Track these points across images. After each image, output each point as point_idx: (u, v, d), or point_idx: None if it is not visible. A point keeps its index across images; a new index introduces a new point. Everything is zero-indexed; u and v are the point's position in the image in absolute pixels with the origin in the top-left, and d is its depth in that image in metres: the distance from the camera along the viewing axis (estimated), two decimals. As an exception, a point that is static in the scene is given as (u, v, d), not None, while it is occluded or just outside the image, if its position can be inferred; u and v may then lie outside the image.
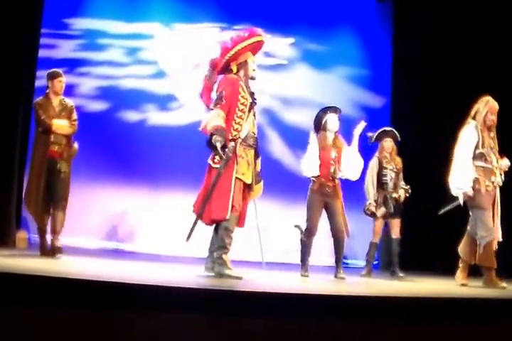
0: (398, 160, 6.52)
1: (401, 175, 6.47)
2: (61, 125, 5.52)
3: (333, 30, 8.86)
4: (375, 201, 6.35)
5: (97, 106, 8.23)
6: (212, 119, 4.48)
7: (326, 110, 5.76)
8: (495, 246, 5.22)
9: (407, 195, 6.42)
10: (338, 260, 5.56)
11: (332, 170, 5.57)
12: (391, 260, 6.40)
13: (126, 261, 5.85)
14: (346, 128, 5.96)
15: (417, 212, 7.47)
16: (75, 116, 5.69)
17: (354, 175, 5.66)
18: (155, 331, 3.13)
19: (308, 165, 5.55)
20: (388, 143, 6.50)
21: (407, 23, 8.68)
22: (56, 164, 5.51)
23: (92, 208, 7.88)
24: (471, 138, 5.31)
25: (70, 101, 5.75)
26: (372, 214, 6.37)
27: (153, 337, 3.12)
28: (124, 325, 3.12)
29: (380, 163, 6.44)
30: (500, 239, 5.29)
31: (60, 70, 5.76)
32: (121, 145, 8.01)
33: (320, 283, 5.11)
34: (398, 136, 6.56)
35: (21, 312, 3.03)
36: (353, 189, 6.11)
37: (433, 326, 3.46)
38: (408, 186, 6.43)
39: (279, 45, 8.52)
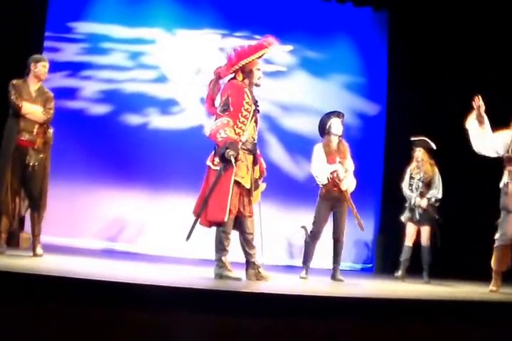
0: (429, 169, 6.56)
1: (433, 184, 6.52)
2: (33, 110, 5.10)
3: (330, 38, 8.91)
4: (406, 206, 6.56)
5: (100, 109, 8.22)
6: (222, 128, 4.46)
7: (329, 115, 5.83)
8: None
9: (431, 203, 6.48)
10: (336, 262, 5.66)
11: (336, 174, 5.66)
12: (422, 266, 6.46)
13: (127, 261, 5.87)
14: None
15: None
16: (51, 105, 5.24)
17: (348, 187, 5.71)
18: (155, 331, 3.14)
19: (322, 172, 5.63)
20: (417, 153, 6.59)
21: (402, 32, 8.72)
22: (25, 155, 5.07)
23: (94, 210, 7.88)
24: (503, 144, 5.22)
25: (49, 91, 5.34)
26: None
27: (154, 336, 3.14)
28: (125, 325, 3.12)
29: (411, 173, 6.60)
30: None
31: (45, 57, 5.50)
32: (123, 148, 8.01)
33: (319, 285, 5.16)
34: (431, 144, 6.59)
35: (22, 310, 3.04)
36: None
37: (432, 327, 3.51)
38: (432, 195, 6.48)
39: (278, 52, 8.53)
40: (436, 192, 6.49)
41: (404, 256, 6.47)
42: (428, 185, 6.51)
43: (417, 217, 6.46)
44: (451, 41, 8.31)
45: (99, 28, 8.39)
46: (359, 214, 5.76)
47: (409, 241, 6.50)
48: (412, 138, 6.65)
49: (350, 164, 5.79)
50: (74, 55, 8.28)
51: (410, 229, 6.50)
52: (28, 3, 7.58)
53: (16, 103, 5.06)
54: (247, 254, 4.67)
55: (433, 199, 6.47)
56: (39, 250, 5.15)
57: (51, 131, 5.23)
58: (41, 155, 5.16)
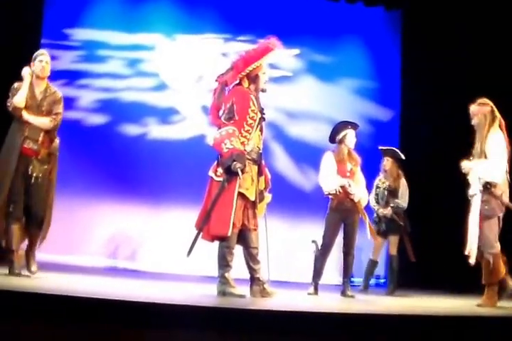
0: (397, 178, 6.81)
1: (399, 194, 6.75)
2: (38, 119, 4.90)
3: (339, 40, 8.95)
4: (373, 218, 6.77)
5: (97, 119, 8.32)
6: (228, 138, 4.47)
7: (346, 124, 5.87)
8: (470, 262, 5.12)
9: (396, 212, 6.70)
10: (346, 277, 5.73)
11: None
12: (390, 277, 6.75)
13: (127, 279, 5.92)
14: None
15: (425, 230, 7.57)
16: (58, 109, 5.01)
17: (360, 198, 5.79)
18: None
19: (329, 181, 5.69)
20: (385, 162, 6.86)
21: (416, 32, 8.75)
22: (28, 165, 4.86)
23: (91, 226, 7.96)
24: None
25: (57, 91, 5.09)
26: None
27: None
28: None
29: (377, 183, 6.86)
30: (471, 259, 5.09)
31: (43, 50, 5.26)
32: (121, 159, 8.09)
33: (327, 302, 5.21)
34: (399, 154, 6.83)
35: (20, 329, 3.12)
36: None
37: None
38: (396, 204, 6.70)
39: (284, 57, 8.55)
40: (402, 201, 6.71)
41: (369, 270, 6.75)
42: (393, 194, 6.73)
43: (384, 227, 6.70)
44: (469, 42, 8.30)
45: (96, 34, 8.50)
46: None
47: (375, 255, 6.77)
48: (380, 147, 6.90)
49: (361, 175, 5.87)
50: (70, 63, 8.37)
51: (377, 243, 6.62)
52: (23, 10, 7.70)
53: (13, 105, 4.83)
54: (251, 270, 4.69)
55: (398, 208, 6.70)
56: (34, 268, 4.99)
57: (57, 141, 5.06)
58: (45, 167, 4.96)
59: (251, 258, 4.69)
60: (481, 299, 5.15)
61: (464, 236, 5.20)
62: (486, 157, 5.12)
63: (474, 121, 5.30)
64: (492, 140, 5.13)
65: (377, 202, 6.82)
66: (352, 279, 6.39)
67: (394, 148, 6.88)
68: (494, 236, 5.08)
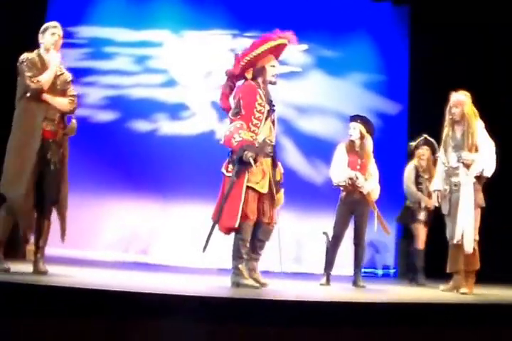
0: (434, 170, 6.73)
1: None
2: (57, 99, 4.54)
3: (347, 35, 9.04)
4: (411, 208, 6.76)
5: (106, 116, 8.43)
6: (237, 132, 4.59)
7: (351, 117, 6.06)
8: (466, 250, 5.22)
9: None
10: (357, 268, 5.86)
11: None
12: (415, 268, 6.71)
13: (141, 272, 5.99)
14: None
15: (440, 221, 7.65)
16: (73, 91, 4.71)
17: (370, 190, 5.89)
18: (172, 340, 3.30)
19: (338, 173, 5.84)
20: (424, 151, 6.84)
21: (424, 27, 8.81)
22: (47, 150, 4.47)
23: (103, 221, 8.07)
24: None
25: (66, 71, 4.73)
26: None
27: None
28: (142, 335, 3.29)
29: (417, 171, 6.82)
30: (467, 248, 5.20)
31: (54, 22, 4.73)
32: (131, 156, 8.18)
33: (339, 292, 5.29)
34: (436, 147, 6.79)
35: (34, 322, 3.22)
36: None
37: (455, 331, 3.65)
38: None
39: (293, 52, 8.65)
40: None
41: (421, 261, 6.66)
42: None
43: (426, 218, 6.72)
44: (477, 37, 8.38)
45: (102, 31, 8.60)
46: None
47: (423, 245, 6.72)
48: (425, 135, 6.89)
49: (373, 168, 5.98)
50: (76, 61, 8.39)
51: (422, 232, 6.71)
52: (26, 8, 7.78)
53: (34, 82, 4.39)
54: (250, 258, 4.81)
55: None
56: (42, 266, 4.55)
57: (74, 121, 4.68)
58: (60, 150, 4.57)
59: (253, 249, 4.82)
60: (465, 287, 5.27)
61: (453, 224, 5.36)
62: (476, 150, 5.30)
63: (459, 111, 5.38)
64: (482, 133, 5.34)
65: (421, 191, 6.76)
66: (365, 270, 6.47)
67: (433, 141, 6.78)
68: (477, 225, 5.31)
